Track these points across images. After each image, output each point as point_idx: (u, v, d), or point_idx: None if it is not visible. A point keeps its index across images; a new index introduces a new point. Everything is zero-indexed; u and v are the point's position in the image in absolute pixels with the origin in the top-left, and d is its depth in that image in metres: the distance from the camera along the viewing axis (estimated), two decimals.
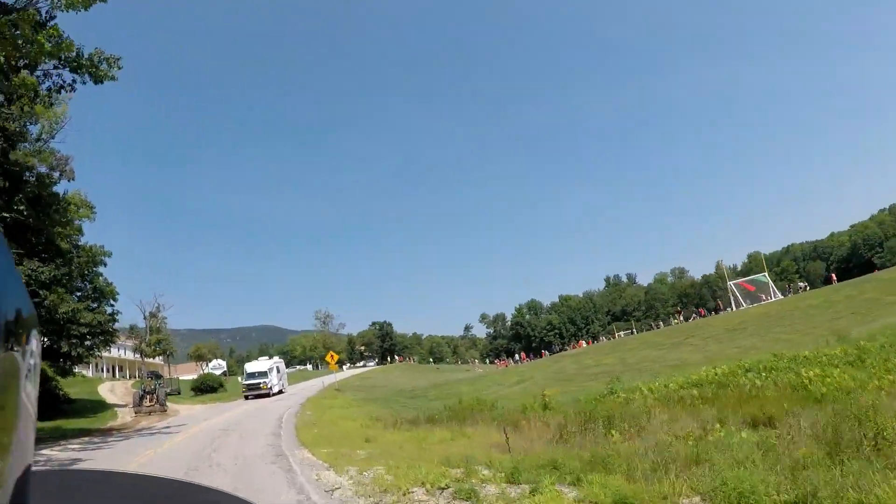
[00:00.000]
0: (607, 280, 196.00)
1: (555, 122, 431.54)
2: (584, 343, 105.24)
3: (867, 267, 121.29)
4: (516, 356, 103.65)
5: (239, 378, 56.53)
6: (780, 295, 62.17)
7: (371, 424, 21.50)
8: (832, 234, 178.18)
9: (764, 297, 58.66)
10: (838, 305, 35.42)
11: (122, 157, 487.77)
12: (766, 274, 64.67)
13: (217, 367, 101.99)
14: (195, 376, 71.72)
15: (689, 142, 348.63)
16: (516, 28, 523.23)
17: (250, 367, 53.53)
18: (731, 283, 66.03)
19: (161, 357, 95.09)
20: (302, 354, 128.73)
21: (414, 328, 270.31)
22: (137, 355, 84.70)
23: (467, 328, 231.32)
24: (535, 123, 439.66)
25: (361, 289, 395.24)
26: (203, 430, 23.28)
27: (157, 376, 49.98)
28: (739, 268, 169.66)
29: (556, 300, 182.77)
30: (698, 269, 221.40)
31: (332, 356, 44.76)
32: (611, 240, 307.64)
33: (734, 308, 60.73)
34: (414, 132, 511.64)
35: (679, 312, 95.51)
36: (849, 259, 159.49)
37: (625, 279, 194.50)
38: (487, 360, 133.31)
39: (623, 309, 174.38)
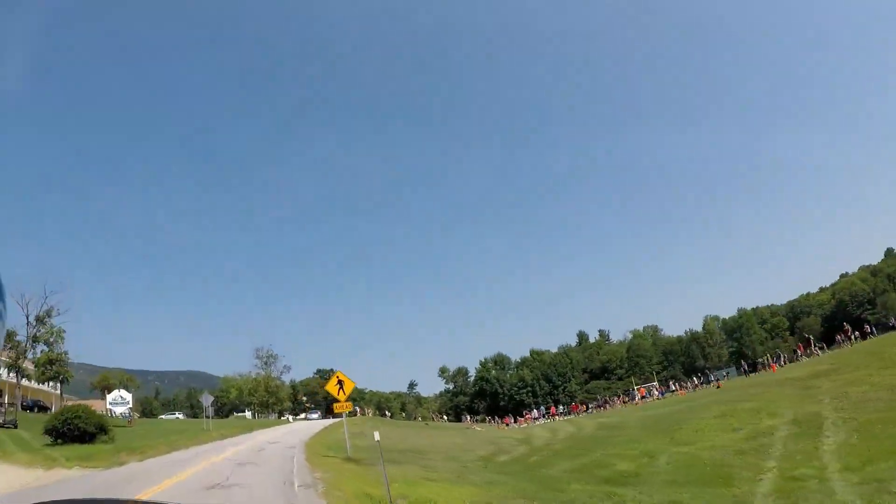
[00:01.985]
0: (581, 336, 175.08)
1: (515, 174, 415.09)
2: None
3: (856, 325, 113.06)
4: (535, 411, 76.23)
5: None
6: None
7: None
8: (808, 294, 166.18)
9: None
10: None
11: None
12: None
13: (119, 401, 71.15)
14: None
15: (651, 208, 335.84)
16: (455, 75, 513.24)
17: None
18: None
19: (52, 383, 65.19)
20: (237, 399, 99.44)
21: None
22: (15, 375, 56.08)
23: (412, 385, 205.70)
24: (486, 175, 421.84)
25: (297, 336, 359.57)
26: None
27: (42, 407, 35.70)
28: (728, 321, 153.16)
29: (527, 354, 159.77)
30: (670, 328, 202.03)
31: (342, 384, 19.64)
32: (577, 296, 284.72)
33: None
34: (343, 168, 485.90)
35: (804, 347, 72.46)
36: (833, 318, 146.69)
37: (595, 336, 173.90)
38: (469, 418, 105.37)
39: (604, 366, 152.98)
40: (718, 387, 58.51)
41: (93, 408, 38.39)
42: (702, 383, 74.82)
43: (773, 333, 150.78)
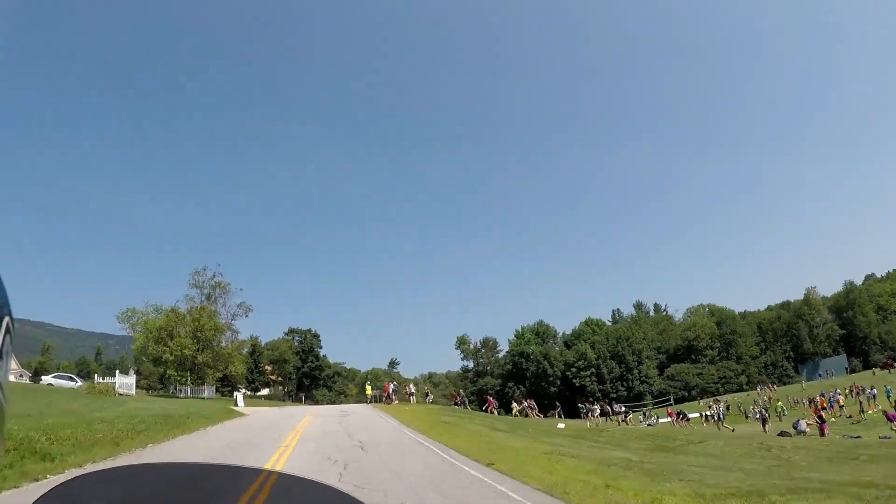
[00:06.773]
0: (637, 307, 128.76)
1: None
2: None
3: None
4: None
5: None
6: None
7: None
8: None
9: None
10: None
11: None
12: None
13: None
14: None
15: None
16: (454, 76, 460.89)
17: None
18: None
19: None
20: (142, 348, 48.42)
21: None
22: None
23: (393, 363, 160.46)
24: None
25: (267, 294, 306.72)
26: None
27: None
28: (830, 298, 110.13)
29: (577, 326, 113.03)
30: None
31: None
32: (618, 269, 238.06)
33: None
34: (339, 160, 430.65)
35: None
36: None
37: (650, 310, 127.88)
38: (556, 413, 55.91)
39: (689, 345, 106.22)
40: None
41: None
42: None
43: (882, 316, 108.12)
